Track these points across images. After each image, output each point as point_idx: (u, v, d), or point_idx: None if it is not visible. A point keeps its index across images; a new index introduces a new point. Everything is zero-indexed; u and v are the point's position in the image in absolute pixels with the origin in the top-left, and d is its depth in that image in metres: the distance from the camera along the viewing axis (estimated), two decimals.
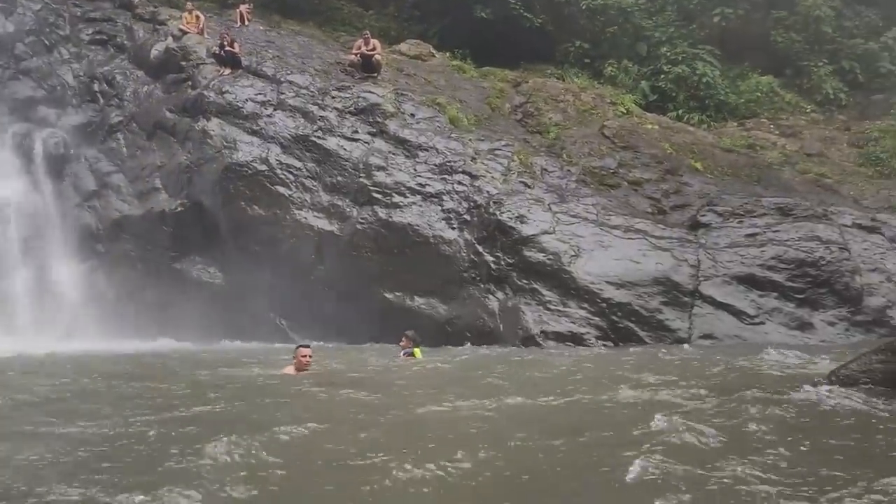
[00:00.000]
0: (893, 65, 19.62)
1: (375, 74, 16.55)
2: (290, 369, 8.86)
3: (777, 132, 17.59)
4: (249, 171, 14.68)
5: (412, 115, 15.53)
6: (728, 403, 5.64)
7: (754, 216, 13.34)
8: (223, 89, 15.81)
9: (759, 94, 18.72)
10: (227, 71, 16.31)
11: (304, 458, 4.75)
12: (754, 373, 7.56)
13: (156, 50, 17.64)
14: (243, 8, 19.51)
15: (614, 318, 11.85)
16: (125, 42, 18.53)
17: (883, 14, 20.76)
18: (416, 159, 14.50)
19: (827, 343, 11.24)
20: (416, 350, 10.29)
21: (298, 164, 14.76)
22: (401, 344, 10.47)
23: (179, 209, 15.38)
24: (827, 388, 5.59)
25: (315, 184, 14.58)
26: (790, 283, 12.14)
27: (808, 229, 12.88)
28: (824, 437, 4.62)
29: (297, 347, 9.10)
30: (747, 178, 14.95)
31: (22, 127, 16.80)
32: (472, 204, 13.69)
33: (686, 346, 11.12)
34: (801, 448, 4.42)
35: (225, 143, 15.04)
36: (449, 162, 14.40)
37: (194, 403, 6.75)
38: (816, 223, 13.05)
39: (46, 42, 18.14)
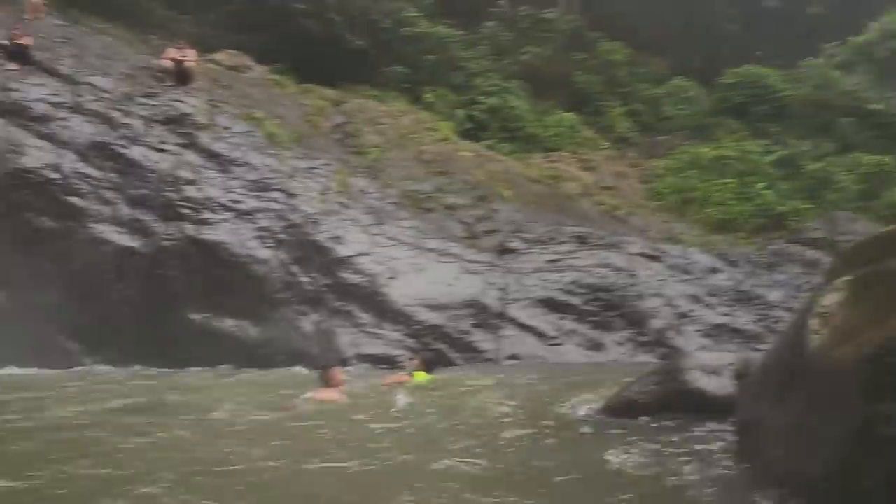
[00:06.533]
0: (676, 110, 22.11)
1: (188, 83, 15.76)
2: (328, 394, 7.76)
3: (578, 165, 19.09)
4: (38, 179, 13.29)
5: (226, 128, 14.96)
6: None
7: (556, 243, 14.37)
8: (9, 86, 14.23)
9: (563, 129, 20.24)
10: (14, 67, 14.73)
11: None
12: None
13: None
14: None
15: (428, 339, 12.16)
16: None
17: (670, 63, 23.35)
18: (230, 174, 13.98)
19: (615, 362, 12.32)
20: (419, 374, 9.33)
21: (97, 173, 13.63)
22: (405, 362, 9.71)
23: None
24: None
25: (116, 196, 13.53)
26: (586, 307, 13.19)
27: (602, 257, 14.09)
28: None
29: (327, 368, 8.15)
30: (551, 207, 16.07)
31: None
32: (287, 223, 13.45)
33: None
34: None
35: (10, 146, 13.51)
36: (265, 178, 14.05)
37: None
38: (609, 251, 14.31)
39: None
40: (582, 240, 14.58)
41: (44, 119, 13.94)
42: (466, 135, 19.10)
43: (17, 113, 13.90)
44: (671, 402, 5.82)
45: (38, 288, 13.05)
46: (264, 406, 7.62)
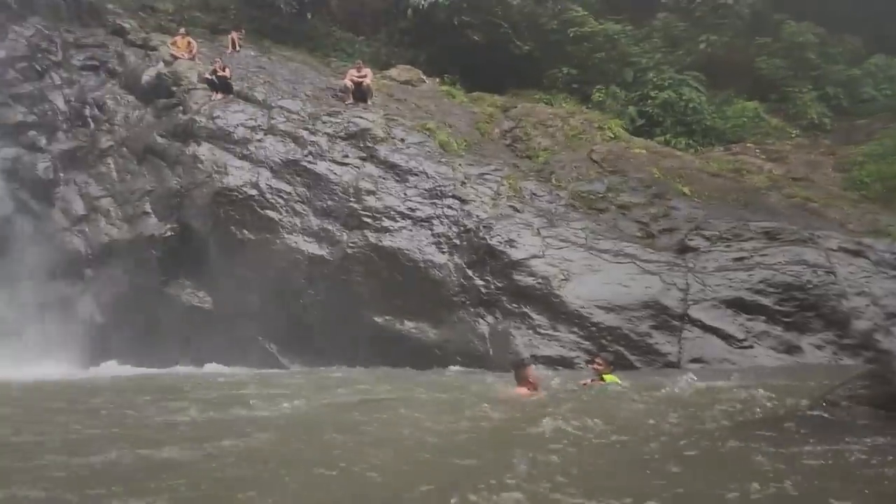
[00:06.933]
0: (876, 91, 19.96)
1: (367, 100, 16.68)
2: (519, 391, 7.96)
3: (763, 157, 17.78)
4: (239, 196, 14.71)
5: (402, 140, 15.64)
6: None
7: (742, 240, 13.44)
8: (214, 114, 15.90)
9: (745, 120, 18.97)
10: (218, 96, 16.42)
11: None
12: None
13: (147, 75, 17.73)
14: (235, 34, 19.69)
15: (604, 342, 11.86)
16: (117, 67, 18.61)
17: (865, 40, 21.15)
18: (406, 184, 14.58)
19: (813, 366, 11.29)
20: (609, 376, 9.15)
21: (288, 188, 14.81)
22: (593, 366, 9.43)
23: (169, 233, 15.36)
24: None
25: (305, 208, 14.61)
26: (778, 307, 12.19)
27: (795, 253, 12.97)
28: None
29: (521, 366, 8.25)
30: (734, 202, 15.08)
31: (11, 151, 16.77)
32: (461, 228, 13.76)
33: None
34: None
35: (215, 168, 15.09)
36: (439, 186, 14.48)
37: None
38: (803, 247, 13.15)
39: (38, 68, 18.19)
40: (771, 235, 13.52)
41: (243, 141, 15.41)
42: (639, 132, 18.50)
43: (222, 137, 15.50)
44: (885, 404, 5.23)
45: (240, 293, 14.43)
46: (474, 401, 7.77)
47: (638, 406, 7.26)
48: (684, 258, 13.23)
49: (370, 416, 7.24)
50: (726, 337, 11.91)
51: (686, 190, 15.23)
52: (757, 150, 18.04)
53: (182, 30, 18.90)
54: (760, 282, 12.51)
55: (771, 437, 5.36)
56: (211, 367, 13.86)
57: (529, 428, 6.22)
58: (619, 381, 8.95)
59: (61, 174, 16.89)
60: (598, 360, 9.47)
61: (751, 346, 11.80)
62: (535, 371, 8.31)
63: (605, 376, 9.03)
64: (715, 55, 20.30)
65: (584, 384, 8.98)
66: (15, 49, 18.19)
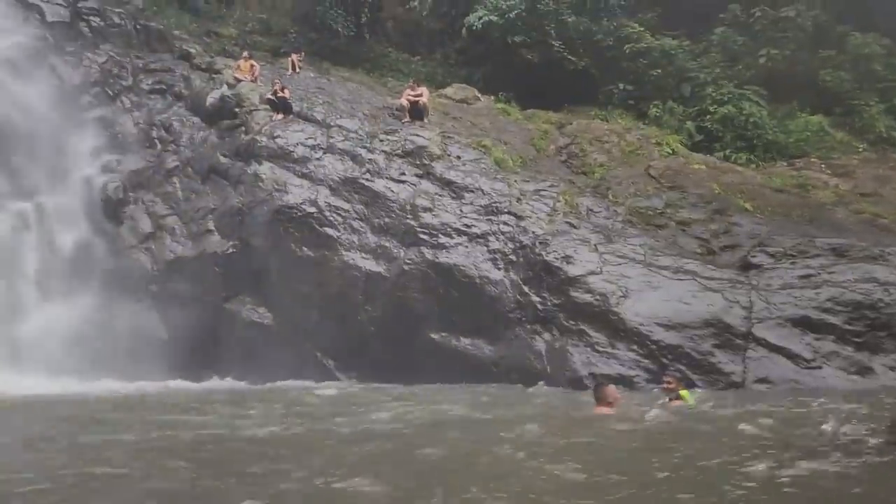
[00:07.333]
0: None
1: (423, 118, 16.88)
2: (600, 410, 8.12)
3: (828, 172, 17.26)
4: (299, 213, 15.01)
5: (458, 157, 15.74)
6: None
7: (808, 257, 13.05)
8: (275, 134, 16.31)
9: (809, 134, 18.48)
10: (279, 116, 16.85)
11: None
12: None
13: (211, 97, 18.32)
14: (295, 56, 20.26)
15: (665, 360, 11.63)
16: (183, 91, 19.29)
17: None
18: (462, 200, 14.65)
19: (886, 387, 10.82)
20: (685, 392, 9.21)
21: (347, 205, 15.04)
22: (663, 386, 9.41)
23: (231, 250, 15.74)
24: None
25: (363, 225, 14.81)
26: (848, 326, 11.76)
27: (865, 270, 12.52)
28: None
29: (601, 386, 8.45)
30: (799, 218, 14.67)
31: (85, 173, 17.50)
32: (517, 244, 13.73)
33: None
34: None
35: (276, 186, 15.45)
36: (494, 203, 14.51)
37: None
38: (873, 264, 12.68)
39: (110, 92, 19.01)
40: (839, 252, 13.08)
41: (303, 160, 15.75)
42: (697, 147, 18.21)
43: (282, 156, 15.88)
44: None
45: (299, 309, 14.65)
46: (557, 419, 7.79)
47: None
48: (747, 275, 12.91)
49: (519, 430, 7.31)
50: (793, 357, 11.55)
51: (748, 206, 14.89)
52: (822, 165, 17.53)
53: (245, 53, 19.52)
54: (828, 300, 12.11)
55: None
56: (270, 383, 14.09)
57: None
58: (692, 400, 8.95)
59: (130, 194, 17.48)
60: (667, 379, 9.40)
61: (819, 367, 11.40)
62: (615, 391, 8.42)
63: (683, 394, 9.05)
64: (776, 69, 19.88)
65: (664, 404, 8.96)
66: (89, 75, 19.08)
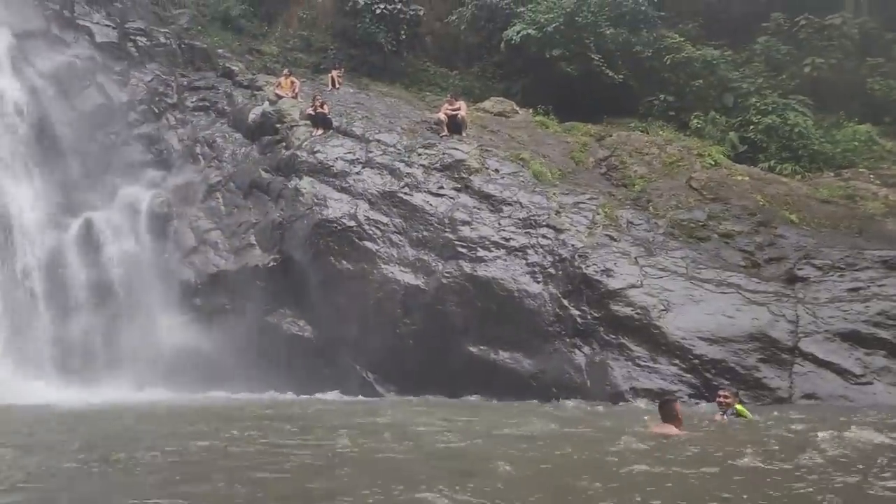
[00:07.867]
0: None
1: (461, 132, 16.93)
2: (668, 429, 7.70)
3: (878, 182, 16.76)
4: (338, 227, 15.15)
5: (496, 171, 15.74)
6: None
7: (856, 269, 12.68)
8: (315, 149, 16.54)
9: (857, 144, 17.98)
10: (319, 132, 17.08)
11: None
12: None
13: (253, 114, 18.69)
14: (335, 72, 20.57)
15: (708, 375, 11.40)
16: (225, 107, 19.72)
17: None
18: (501, 214, 14.63)
19: None
20: (741, 407, 9.12)
21: (385, 219, 15.14)
22: (719, 400, 9.20)
23: (272, 264, 15.96)
24: None
25: (401, 239, 14.88)
26: None
27: None
28: None
29: (669, 402, 8.01)
30: (847, 229, 14.26)
31: (131, 188, 17.98)
32: (556, 258, 13.63)
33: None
34: None
35: (315, 201, 15.63)
36: (533, 216, 14.45)
37: None
38: None
39: (156, 110, 19.55)
40: (890, 265, 12.67)
41: (342, 174, 15.92)
42: (740, 158, 17.86)
43: (322, 171, 16.08)
44: None
45: (339, 322, 14.75)
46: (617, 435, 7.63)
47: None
48: (793, 288, 12.61)
49: (600, 449, 7.11)
50: (842, 372, 11.22)
51: (794, 217, 14.55)
52: (871, 176, 17.03)
53: (286, 70, 19.88)
54: (879, 314, 11.75)
55: None
56: (310, 395, 14.19)
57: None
58: (749, 414, 8.90)
59: (174, 209, 17.89)
60: (723, 393, 9.29)
61: (870, 383, 11.06)
62: (679, 407, 7.95)
63: (740, 409, 8.98)
64: (821, 78, 19.46)
65: (718, 418, 8.92)
66: (135, 93, 19.64)
